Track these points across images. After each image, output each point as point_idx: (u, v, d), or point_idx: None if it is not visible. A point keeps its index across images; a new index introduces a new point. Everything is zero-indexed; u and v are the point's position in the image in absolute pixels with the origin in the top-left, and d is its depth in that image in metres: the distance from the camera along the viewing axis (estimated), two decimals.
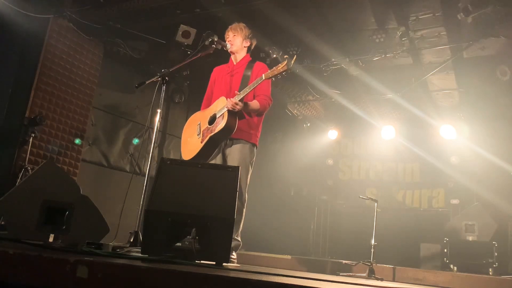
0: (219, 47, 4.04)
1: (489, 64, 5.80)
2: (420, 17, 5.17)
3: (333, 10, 5.33)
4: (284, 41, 5.90)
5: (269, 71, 3.43)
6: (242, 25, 3.98)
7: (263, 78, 3.44)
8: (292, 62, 3.30)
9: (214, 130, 3.60)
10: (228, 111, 3.54)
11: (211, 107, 3.81)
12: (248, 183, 3.71)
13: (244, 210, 3.66)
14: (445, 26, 5.28)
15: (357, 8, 5.26)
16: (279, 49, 5.84)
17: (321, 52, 5.92)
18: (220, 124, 3.56)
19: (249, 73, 3.82)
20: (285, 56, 3.30)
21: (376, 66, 6.19)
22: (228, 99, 3.55)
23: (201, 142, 3.69)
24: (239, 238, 3.63)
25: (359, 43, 5.85)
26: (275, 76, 3.38)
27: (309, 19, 5.45)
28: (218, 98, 3.81)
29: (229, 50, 3.94)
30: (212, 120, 3.70)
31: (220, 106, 3.64)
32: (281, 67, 3.32)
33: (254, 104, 3.68)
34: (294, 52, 5.81)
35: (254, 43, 4.02)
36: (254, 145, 3.79)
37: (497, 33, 5.15)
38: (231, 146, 3.71)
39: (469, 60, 5.88)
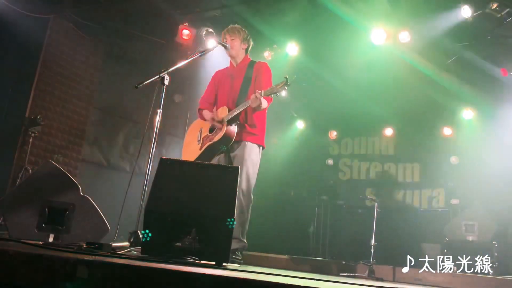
0: (219, 46, 4.02)
1: None
2: None
3: None
4: None
5: (268, 89, 3.42)
6: (238, 27, 3.93)
7: (262, 95, 3.41)
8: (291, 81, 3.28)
9: (213, 139, 3.67)
10: (228, 121, 3.58)
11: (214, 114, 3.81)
12: (254, 184, 3.70)
13: (250, 211, 3.65)
14: None
15: None
16: None
17: None
18: (219, 133, 3.62)
19: (250, 74, 3.81)
20: (285, 76, 3.29)
21: None
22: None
23: (200, 149, 3.78)
24: (244, 239, 3.62)
25: None
26: (274, 93, 3.37)
27: None
28: (222, 102, 3.83)
29: (228, 54, 3.92)
30: (213, 128, 3.75)
31: (222, 115, 3.66)
32: (280, 85, 3.31)
33: (264, 104, 3.54)
34: None
35: (252, 44, 3.99)
36: (260, 146, 3.79)
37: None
38: (237, 149, 3.70)
39: None
